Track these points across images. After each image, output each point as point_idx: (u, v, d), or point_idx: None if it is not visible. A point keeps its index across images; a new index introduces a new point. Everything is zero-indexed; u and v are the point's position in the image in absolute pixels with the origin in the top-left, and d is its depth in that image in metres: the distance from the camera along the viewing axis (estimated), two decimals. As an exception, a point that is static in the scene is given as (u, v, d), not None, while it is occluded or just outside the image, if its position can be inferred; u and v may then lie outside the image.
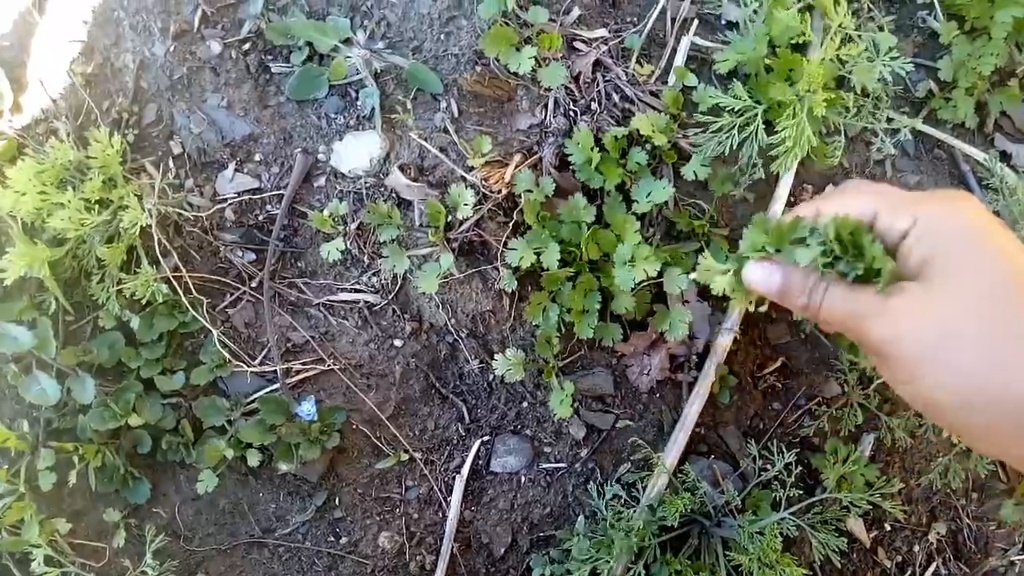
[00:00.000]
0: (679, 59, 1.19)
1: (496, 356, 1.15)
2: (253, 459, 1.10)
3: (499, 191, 1.12)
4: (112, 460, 1.08)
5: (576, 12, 1.18)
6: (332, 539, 1.17)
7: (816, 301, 0.57)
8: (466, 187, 1.09)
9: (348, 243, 1.14)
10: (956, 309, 0.49)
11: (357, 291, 1.17)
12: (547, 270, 1.14)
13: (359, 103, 1.16)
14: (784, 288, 0.59)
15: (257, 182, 1.15)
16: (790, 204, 1.24)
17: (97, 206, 1.03)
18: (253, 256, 1.16)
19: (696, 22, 1.22)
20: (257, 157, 1.15)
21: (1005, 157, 1.30)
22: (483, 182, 1.11)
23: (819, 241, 0.56)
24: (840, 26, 1.08)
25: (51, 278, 1.04)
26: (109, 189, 1.05)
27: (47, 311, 1.08)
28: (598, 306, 1.12)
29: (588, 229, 1.09)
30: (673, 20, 1.20)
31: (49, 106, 1.09)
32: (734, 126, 1.11)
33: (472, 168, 1.12)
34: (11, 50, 1.08)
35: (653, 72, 1.18)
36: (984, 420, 0.48)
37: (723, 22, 1.24)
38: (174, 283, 1.09)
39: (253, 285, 1.16)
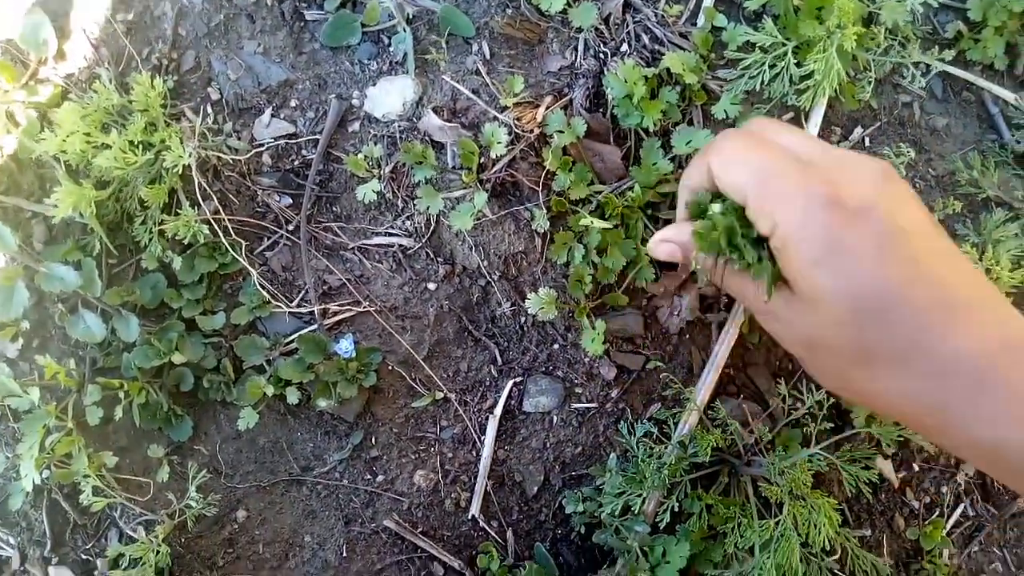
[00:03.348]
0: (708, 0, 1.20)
1: (529, 296, 1.16)
2: (292, 397, 1.13)
3: (531, 131, 1.13)
4: (156, 398, 1.11)
5: (604, -45, 1.19)
6: (369, 477, 1.20)
7: (717, 277, 0.66)
8: (499, 126, 1.10)
9: (383, 186, 1.16)
10: (823, 324, 0.55)
11: (391, 235, 1.19)
12: (576, 212, 1.16)
13: (391, 49, 1.18)
14: (686, 262, 0.69)
15: (293, 127, 1.17)
16: (818, 146, 1.24)
17: (140, 147, 1.05)
18: (289, 200, 1.18)
19: (723, -35, 1.22)
20: (293, 103, 1.17)
21: (1035, 97, 1.30)
22: (516, 121, 1.13)
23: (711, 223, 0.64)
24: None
25: (95, 219, 1.06)
26: (151, 132, 1.08)
27: (91, 253, 1.11)
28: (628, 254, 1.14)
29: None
30: (700, -37, 1.21)
31: (91, 53, 1.12)
32: (764, 62, 1.12)
33: (505, 108, 1.13)
34: (54, -2, 1.11)
35: (682, 13, 1.19)
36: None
37: (750, -36, 1.24)
38: (214, 225, 1.11)
39: (290, 229, 1.18)
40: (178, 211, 1.10)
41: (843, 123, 1.27)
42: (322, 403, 1.13)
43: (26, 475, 1.05)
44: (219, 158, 1.13)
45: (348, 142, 1.18)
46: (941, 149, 1.30)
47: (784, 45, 1.13)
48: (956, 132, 1.31)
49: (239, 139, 1.15)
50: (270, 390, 1.11)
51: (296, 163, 1.18)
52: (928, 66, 1.25)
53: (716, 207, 0.61)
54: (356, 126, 1.18)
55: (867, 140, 1.27)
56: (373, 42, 1.18)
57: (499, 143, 1.10)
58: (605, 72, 1.16)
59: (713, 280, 0.66)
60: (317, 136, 1.17)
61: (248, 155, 1.14)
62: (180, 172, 1.06)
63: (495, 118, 1.13)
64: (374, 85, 1.17)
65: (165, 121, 1.10)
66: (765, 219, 0.56)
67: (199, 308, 1.13)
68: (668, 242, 0.68)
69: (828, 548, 1.15)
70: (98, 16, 1.12)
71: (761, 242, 0.59)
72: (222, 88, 1.16)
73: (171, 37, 1.14)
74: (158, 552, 1.09)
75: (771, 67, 1.12)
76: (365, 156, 1.15)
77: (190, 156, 1.06)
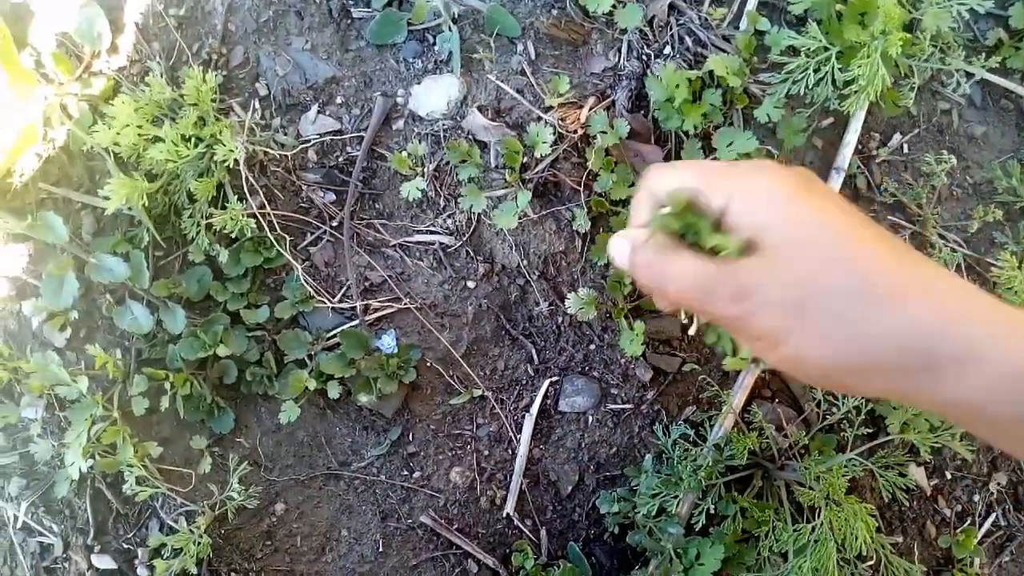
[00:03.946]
0: (751, 3, 1.21)
1: (569, 296, 1.17)
2: (333, 391, 1.14)
3: (575, 131, 1.14)
4: (199, 390, 1.12)
5: (650, -42, 1.20)
6: (405, 473, 1.21)
7: (661, 273, 0.58)
8: (544, 126, 1.11)
9: (427, 184, 1.17)
10: (799, 276, 0.52)
11: (432, 233, 1.20)
12: (617, 214, 1.17)
13: (437, 48, 1.19)
14: (632, 261, 0.59)
15: (338, 124, 1.18)
16: (858, 152, 1.25)
17: (191, 141, 1.07)
18: (333, 196, 1.19)
19: (767, -31, 1.23)
20: (339, 100, 1.18)
21: (1075, 106, 1.30)
22: (560, 122, 1.14)
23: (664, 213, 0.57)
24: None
25: (145, 212, 1.08)
26: (200, 127, 1.09)
27: (139, 245, 1.12)
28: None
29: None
30: (744, -33, 1.22)
31: (143, 47, 1.13)
32: (808, 67, 1.12)
33: (549, 108, 1.14)
34: (108, -8, 1.12)
35: (726, 16, 1.20)
36: (852, 368, 0.53)
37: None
38: (260, 220, 1.12)
39: (333, 225, 1.19)
40: (225, 205, 1.11)
41: (882, 129, 1.27)
42: (363, 398, 1.14)
43: (72, 463, 1.06)
44: (266, 153, 1.14)
45: (392, 140, 1.19)
46: (979, 157, 1.30)
47: (828, 50, 1.13)
48: (994, 140, 1.31)
49: (286, 135, 1.17)
50: (312, 384, 1.12)
51: (341, 159, 1.19)
52: (969, 74, 1.25)
53: (664, 209, 0.58)
54: (400, 124, 1.19)
55: (906, 147, 1.28)
56: (419, 41, 1.19)
57: (544, 143, 1.11)
58: (648, 73, 1.17)
59: (654, 278, 0.59)
60: (362, 133, 1.18)
61: (295, 151, 1.15)
62: (228, 166, 1.07)
63: (540, 118, 1.14)
64: (419, 83, 1.19)
65: (215, 116, 1.11)
66: (717, 195, 0.54)
67: (243, 301, 1.14)
68: (620, 241, 0.61)
69: (862, 554, 1.15)
70: (151, 11, 1.14)
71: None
72: (270, 84, 1.17)
73: (221, 32, 1.16)
74: (199, 543, 1.10)
75: (815, 71, 1.13)
76: (409, 154, 1.16)
77: (239, 150, 1.07)
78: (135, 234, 1.13)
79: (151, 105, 1.07)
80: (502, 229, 1.16)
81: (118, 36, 1.13)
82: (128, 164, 1.11)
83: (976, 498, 1.34)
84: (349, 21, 1.19)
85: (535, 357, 1.23)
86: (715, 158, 1.15)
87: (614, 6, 1.14)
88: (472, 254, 1.21)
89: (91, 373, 1.10)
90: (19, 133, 1.02)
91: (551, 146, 1.11)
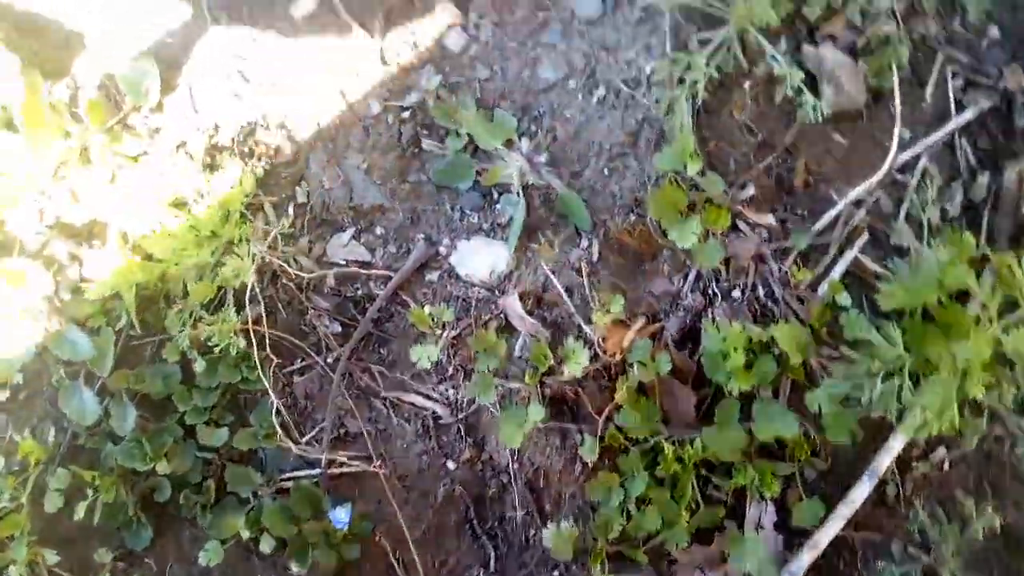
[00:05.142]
0: (837, 271, 1.11)
1: (548, 526, 1.06)
2: (266, 545, 1.02)
3: (613, 354, 1.03)
4: (123, 498, 1.00)
5: (750, 191, 1.10)
6: (312, 647, 1.08)
7: None
8: (583, 345, 1.00)
9: (440, 353, 1.05)
10: None
11: (429, 398, 1.09)
12: (627, 451, 1.06)
13: (498, 208, 1.09)
14: None
15: (370, 256, 1.07)
16: (898, 460, 1.14)
17: (207, 237, 0.96)
18: (339, 328, 1.08)
19: (866, 235, 1.14)
20: (378, 230, 1.08)
21: None
22: (600, 340, 1.03)
23: None
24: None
25: (132, 297, 0.96)
26: (223, 223, 0.98)
27: (114, 323, 1.01)
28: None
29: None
30: (845, 223, 1.12)
31: (189, 115, 1.03)
32: (878, 374, 1.02)
33: (592, 321, 1.03)
34: (171, 48, 1.02)
35: (808, 279, 1.09)
36: None
37: (892, 243, 1.16)
38: (251, 335, 1.01)
39: (329, 360, 1.08)
40: (220, 308, 1.00)
41: (930, 441, 1.17)
42: (294, 568, 1.01)
43: (-45, 542, 0.94)
44: (282, 267, 1.03)
45: (421, 290, 1.08)
46: (1020, 495, 1.20)
47: (902, 357, 1.03)
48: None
49: (310, 253, 1.06)
50: (246, 534, 1.01)
51: (360, 293, 1.08)
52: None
53: None
54: (435, 276, 1.08)
55: (947, 464, 1.17)
56: (482, 195, 1.09)
57: (576, 363, 1.00)
58: (708, 313, 1.07)
59: None
60: (391, 273, 1.07)
61: (312, 275, 1.04)
62: (235, 286, 0.96)
63: (579, 329, 1.03)
64: (468, 240, 1.08)
65: (240, 212, 1.00)
66: None
67: (204, 417, 1.03)
68: None
69: None
70: (209, 80, 1.03)
71: None
72: (311, 193, 1.07)
73: (277, 124, 1.05)
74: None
75: (883, 379, 1.03)
76: (432, 314, 1.05)
77: (252, 262, 0.96)
78: (113, 308, 1.01)
79: (175, 184, 0.96)
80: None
81: (167, 94, 1.02)
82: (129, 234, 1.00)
83: None
84: (416, 151, 1.08)
85: (492, 564, 1.11)
86: (750, 430, 1.04)
87: (698, 239, 1.04)
88: (463, 433, 1.10)
89: (11, 448, 0.98)
90: (24, 178, 0.91)
91: (583, 368, 1.00)
